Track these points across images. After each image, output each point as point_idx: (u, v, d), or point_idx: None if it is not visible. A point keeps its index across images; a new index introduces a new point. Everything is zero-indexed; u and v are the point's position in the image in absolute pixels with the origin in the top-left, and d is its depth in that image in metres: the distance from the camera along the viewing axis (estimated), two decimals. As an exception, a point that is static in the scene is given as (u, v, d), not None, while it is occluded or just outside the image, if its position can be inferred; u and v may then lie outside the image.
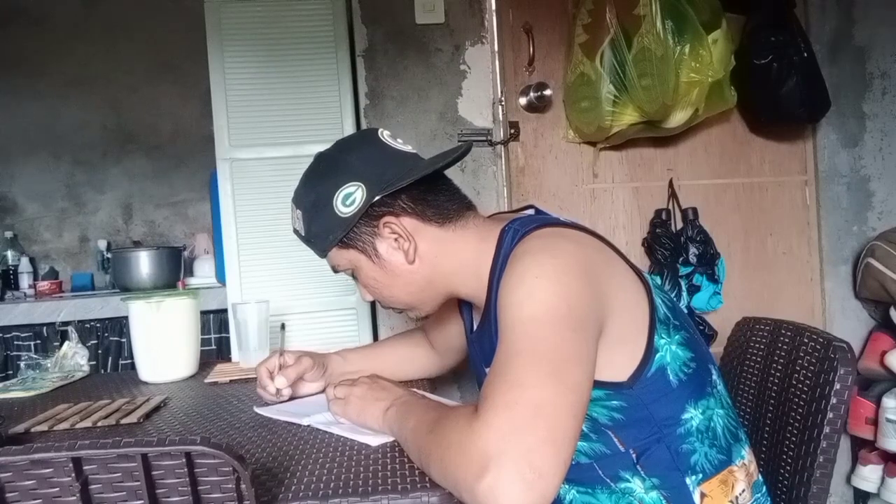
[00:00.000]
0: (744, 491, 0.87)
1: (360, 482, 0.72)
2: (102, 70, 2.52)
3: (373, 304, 1.76)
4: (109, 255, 2.30)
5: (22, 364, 1.54)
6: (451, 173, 0.99)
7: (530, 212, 1.00)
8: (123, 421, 1.04)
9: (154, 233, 2.56)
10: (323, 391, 1.14)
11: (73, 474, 0.59)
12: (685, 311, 1.85)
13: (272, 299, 1.50)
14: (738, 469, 0.88)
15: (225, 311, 1.78)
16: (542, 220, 0.90)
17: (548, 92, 2.00)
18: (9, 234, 2.43)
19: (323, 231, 0.95)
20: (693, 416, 0.85)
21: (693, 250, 1.95)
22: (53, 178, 2.53)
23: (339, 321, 1.73)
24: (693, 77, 1.68)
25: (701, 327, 1.95)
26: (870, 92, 2.07)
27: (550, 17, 2.00)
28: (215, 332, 1.89)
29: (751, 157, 2.10)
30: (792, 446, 0.96)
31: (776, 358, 1.06)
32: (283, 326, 1.22)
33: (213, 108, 1.71)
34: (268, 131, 1.71)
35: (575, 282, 0.76)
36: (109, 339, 1.89)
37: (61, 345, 1.61)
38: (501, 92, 1.87)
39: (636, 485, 0.84)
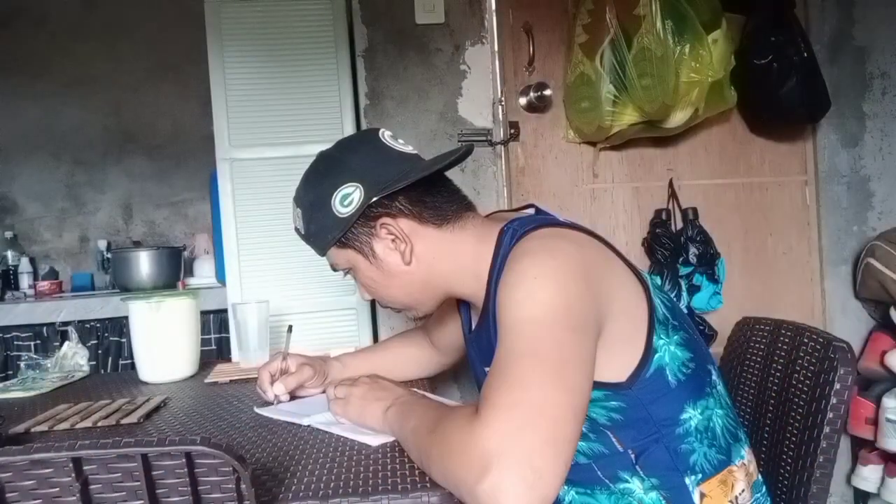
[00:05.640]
0: (743, 491, 0.88)
1: (360, 482, 0.72)
2: (102, 70, 2.52)
3: (373, 304, 1.76)
4: (109, 255, 2.30)
5: (22, 364, 1.54)
6: (451, 173, 0.99)
7: (530, 211, 1.00)
8: (123, 421, 1.04)
9: (154, 233, 2.57)
10: (323, 391, 1.15)
11: (73, 474, 0.59)
12: (685, 311, 1.85)
13: (272, 299, 1.50)
14: (738, 469, 0.88)
15: (225, 311, 1.78)
16: (541, 221, 0.90)
17: (548, 92, 2.00)
18: (9, 234, 2.43)
19: (321, 230, 0.95)
20: (692, 416, 0.85)
21: (693, 250, 1.95)
22: (53, 178, 2.53)
23: (339, 321, 1.73)
24: (693, 77, 1.68)
25: (701, 327, 1.95)
26: (870, 92, 2.07)
27: (550, 17, 2.00)
28: (215, 332, 1.89)
29: (751, 157, 2.10)
30: (792, 446, 0.96)
31: (776, 358, 1.06)
32: (290, 329, 1.21)
33: (213, 108, 1.70)
34: (268, 131, 1.71)
35: (574, 282, 0.76)
36: (109, 339, 1.88)
37: (61, 345, 1.61)
38: (501, 92, 1.87)
39: (635, 485, 0.84)
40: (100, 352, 1.87)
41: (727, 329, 1.25)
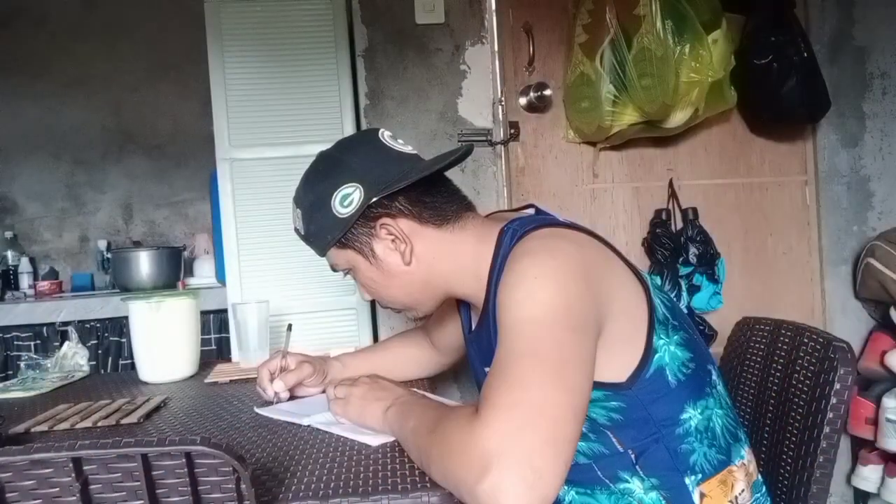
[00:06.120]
0: (743, 491, 0.88)
1: (360, 482, 0.72)
2: (102, 70, 2.52)
3: (373, 304, 1.76)
4: (109, 255, 2.30)
5: (22, 364, 1.54)
6: (451, 174, 0.99)
7: (530, 211, 1.00)
8: (123, 421, 1.04)
9: (154, 233, 2.57)
10: (323, 391, 1.15)
11: (73, 474, 0.59)
12: (685, 311, 1.85)
13: (272, 299, 1.51)
14: (738, 469, 0.88)
15: (225, 311, 1.78)
16: (541, 221, 0.90)
17: (548, 92, 2.00)
18: (9, 234, 2.43)
19: (321, 231, 0.95)
20: (692, 416, 0.85)
21: (693, 250, 1.95)
22: (53, 178, 2.53)
23: (339, 321, 1.73)
24: (693, 77, 1.68)
25: (701, 327, 1.95)
26: (870, 92, 2.07)
27: (550, 17, 2.00)
28: (215, 332, 1.89)
29: (751, 157, 2.10)
30: (792, 446, 0.96)
31: (776, 358, 1.06)
32: (289, 327, 1.22)
33: (213, 108, 1.70)
34: (268, 131, 1.71)
35: (574, 282, 0.76)
36: (109, 339, 1.88)
37: (61, 345, 1.61)
38: (501, 92, 1.87)
39: (635, 485, 0.84)
40: (100, 352, 1.87)
41: (727, 329, 1.25)
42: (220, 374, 1.40)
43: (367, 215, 0.92)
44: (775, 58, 1.84)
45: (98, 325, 1.89)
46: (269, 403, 1.10)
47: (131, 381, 1.41)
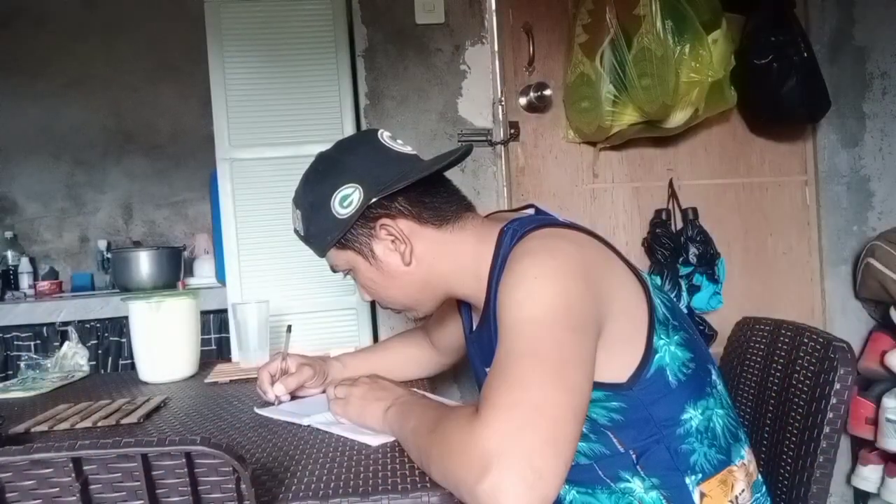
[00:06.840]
0: (743, 491, 0.88)
1: (360, 482, 0.72)
2: (102, 70, 2.52)
3: (373, 304, 1.76)
4: (109, 255, 2.30)
5: (22, 364, 1.54)
6: (451, 174, 0.99)
7: (530, 211, 1.00)
8: (123, 421, 1.04)
9: (154, 233, 2.57)
10: (324, 391, 1.15)
11: (73, 474, 0.59)
12: (685, 311, 1.85)
13: (272, 299, 1.51)
14: (738, 469, 0.88)
15: (225, 311, 1.78)
16: (541, 221, 0.90)
17: (548, 92, 2.00)
18: (9, 234, 2.43)
19: (321, 232, 0.95)
20: (692, 416, 0.85)
21: (693, 250, 1.95)
22: (53, 178, 2.53)
23: (339, 321, 1.73)
24: (693, 77, 1.68)
25: (701, 327, 1.95)
26: (870, 92, 2.07)
27: (550, 17, 2.00)
28: (215, 332, 1.89)
29: (751, 157, 2.10)
30: (792, 446, 0.96)
31: (776, 358, 1.06)
32: (289, 329, 1.22)
33: (213, 108, 1.70)
34: (268, 131, 1.71)
35: (574, 282, 0.76)
36: (109, 339, 1.89)
37: (61, 345, 1.61)
38: (501, 92, 1.87)
39: (636, 485, 0.84)
40: (100, 352, 1.87)
41: (727, 329, 1.25)
42: (220, 374, 1.40)
43: (366, 216, 0.92)
44: (775, 58, 1.84)
45: (98, 325, 1.89)
46: (269, 403, 1.10)
47: (131, 381, 1.41)
